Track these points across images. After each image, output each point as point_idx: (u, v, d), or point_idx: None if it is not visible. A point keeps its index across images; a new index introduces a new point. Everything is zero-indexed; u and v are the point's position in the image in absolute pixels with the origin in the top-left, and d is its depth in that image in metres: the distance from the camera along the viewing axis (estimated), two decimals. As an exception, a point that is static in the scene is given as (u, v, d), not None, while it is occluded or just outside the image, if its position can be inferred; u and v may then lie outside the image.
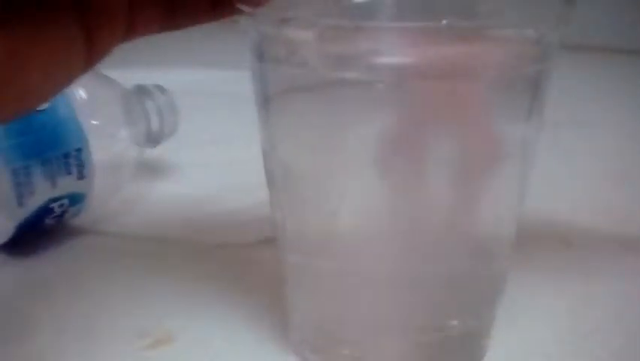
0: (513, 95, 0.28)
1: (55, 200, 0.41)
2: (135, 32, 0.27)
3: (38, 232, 0.43)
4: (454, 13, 0.25)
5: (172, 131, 0.50)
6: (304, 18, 0.26)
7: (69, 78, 0.26)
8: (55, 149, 0.40)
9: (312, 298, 0.32)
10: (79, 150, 0.41)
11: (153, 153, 0.51)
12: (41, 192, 0.40)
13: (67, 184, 0.41)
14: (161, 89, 0.50)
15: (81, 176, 0.41)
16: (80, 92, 0.42)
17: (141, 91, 0.48)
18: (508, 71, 0.27)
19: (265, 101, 0.29)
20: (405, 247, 0.29)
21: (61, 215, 0.42)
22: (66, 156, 0.40)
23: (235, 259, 0.42)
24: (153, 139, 0.49)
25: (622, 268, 0.41)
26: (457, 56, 0.26)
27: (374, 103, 0.27)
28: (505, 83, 0.27)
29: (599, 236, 0.45)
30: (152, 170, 0.54)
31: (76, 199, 0.42)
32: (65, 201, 0.42)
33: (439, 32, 0.25)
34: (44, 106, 0.40)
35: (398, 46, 0.26)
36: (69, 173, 0.41)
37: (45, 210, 0.41)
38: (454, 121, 0.27)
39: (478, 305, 0.32)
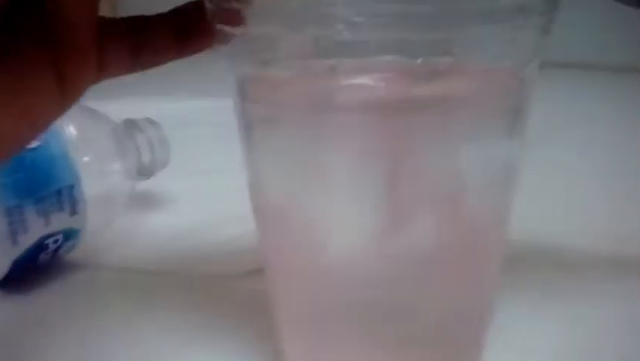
0: (494, 121, 0.28)
1: (49, 236, 0.41)
2: (106, 73, 0.28)
3: (33, 268, 0.43)
4: (432, 50, 0.25)
5: (163, 163, 0.51)
6: (283, 59, 0.26)
7: (45, 123, 0.27)
8: (48, 186, 0.40)
9: (300, 325, 0.32)
10: (71, 186, 0.41)
11: (145, 185, 0.52)
12: (35, 229, 0.40)
13: (60, 220, 0.41)
14: (151, 122, 0.50)
15: (74, 212, 0.42)
16: (70, 128, 0.43)
17: (131, 125, 0.49)
18: (486, 102, 0.28)
19: (249, 140, 0.30)
20: (392, 275, 0.29)
21: (56, 250, 0.43)
22: (59, 192, 0.41)
23: (226, 290, 0.42)
24: (145, 172, 0.50)
25: (616, 289, 0.41)
26: (434, 90, 0.26)
27: (353, 137, 0.27)
28: (483, 113, 0.28)
29: (594, 257, 0.45)
30: (144, 202, 0.54)
31: (70, 235, 0.43)
32: (59, 237, 0.42)
33: (416, 70, 0.25)
34: (35, 144, 0.40)
35: (377, 83, 0.26)
36: (62, 209, 0.41)
37: (39, 247, 0.41)
38: (433, 152, 0.28)
39: (466, 330, 0.32)
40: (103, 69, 0.28)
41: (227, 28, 0.27)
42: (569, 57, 0.78)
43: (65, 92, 0.27)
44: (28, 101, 0.25)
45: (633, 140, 0.67)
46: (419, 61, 0.25)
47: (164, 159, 0.51)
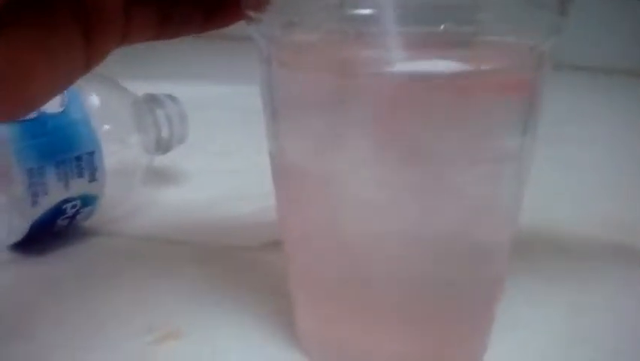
0: (509, 104, 0.29)
1: (67, 201, 0.42)
2: (131, 38, 0.29)
3: (50, 232, 0.44)
4: (454, 20, 0.26)
5: (181, 139, 0.52)
6: (309, 22, 0.27)
7: (69, 80, 0.27)
8: (69, 151, 0.41)
9: (316, 297, 0.33)
10: (91, 153, 0.42)
11: (163, 160, 0.52)
12: (54, 192, 0.41)
13: (79, 186, 0.42)
14: (171, 97, 0.51)
15: (93, 178, 0.43)
16: (93, 97, 0.44)
17: (152, 99, 0.50)
18: (504, 76, 0.28)
19: (272, 105, 0.30)
20: (405, 250, 0.30)
21: (73, 216, 0.43)
22: (79, 158, 0.42)
23: (241, 261, 0.43)
24: (163, 146, 0.50)
25: (617, 276, 0.42)
26: (456, 61, 0.27)
27: (376, 107, 0.28)
28: (501, 91, 0.28)
29: (596, 246, 0.45)
30: (161, 176, 0.55)
31: (87, 201, 0.43)
32: (77, 203, 0.43)
33: (438, 38, 0.26)
34: (59, 110, 0.41)
35: (398, 52, 0.27)
36: (81, 175, 0.42)
37: (58, 211, 0.42)
38: (453, 124, 0.28)
39: (476, 309, 0.33)
40: (127, 35, 0.29)
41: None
42: (578, 60, 0.79)
43: (90, 52, 0.27)
44: (56, 58, 0.26)
45: (636, 137, 0.68)
46: (442, 27, 0.25)
47: (183, 135, 0.51)
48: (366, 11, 0.26)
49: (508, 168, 0.30)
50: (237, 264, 0.43)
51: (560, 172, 0.55)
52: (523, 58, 0.28)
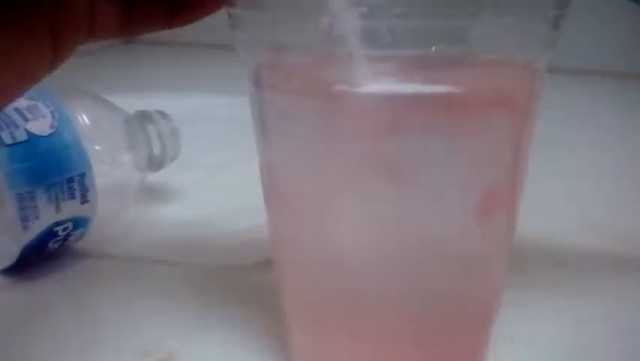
0: (503, 118, 0.28)
1: (59, 224, 0.42)
2: (96, 34, 0.29)
3: (42, 255, 0.43)
4: (445, 40, 0.25)
5: (174, 156, 0.51)
6: (299, 45, 0.27)
7: (34, 79, 0.27)
8: (60, 174, 0.41)
9: (308, 316, 0.32)
10: (82, 174, 0.42)
11: (155, 177, 0.52)
12: (46, 216, 0.41)
13: (71, 208, 0.42)
14: (162, 114, 0.50)
15: (85, 200, 0.42)
16: (83, 117, 0.43)
17: (143, 116, 0.49)
18: (497, 95, 0.28)
19: (261, 123, 0.30)
20: (399, 265, 0.29)
21: (65, 238, 0.43)
22: (70, 180, 0.41)
23: (235, 281, 0.43)
24: (155, 164, 0.50)
25: (613, 287, 0.42)
26: (448, 82, 0.26)
27: (367, 127, 0.27)
28: (494, 108, 0.28)
29: (592, 256, 0.45)
30: (154, 194, 0.55)
31: (80, 223, 0.43)
32: (69, 225, 0.42)
33: (430, 59, 0.25)
34: (49, 131, 0.40)
35: (390, 73, 0.27)
36: (73, 197, 0.41)
37: (49, 234, 0.42)
38: (443, 144, 0.28)
39: (473, 323, 0.32)
40: (92, 31, 0.29)
41: (242, 12, 0.27)
42: (575, 63, 0.79)
43: (56, 49, 0.27)
44: (24, 59, 0.26)
45: (635, 143, 0.68)
46: (433, 49, 0.25)
47: (175, 152, 0.51)
48: (357, 33, 0.25)
49: (501, 183, 0.29)
50: (231, 284, 0.42)
51: (554, 180, 0.55)
52: (518, 75, 0.28)
